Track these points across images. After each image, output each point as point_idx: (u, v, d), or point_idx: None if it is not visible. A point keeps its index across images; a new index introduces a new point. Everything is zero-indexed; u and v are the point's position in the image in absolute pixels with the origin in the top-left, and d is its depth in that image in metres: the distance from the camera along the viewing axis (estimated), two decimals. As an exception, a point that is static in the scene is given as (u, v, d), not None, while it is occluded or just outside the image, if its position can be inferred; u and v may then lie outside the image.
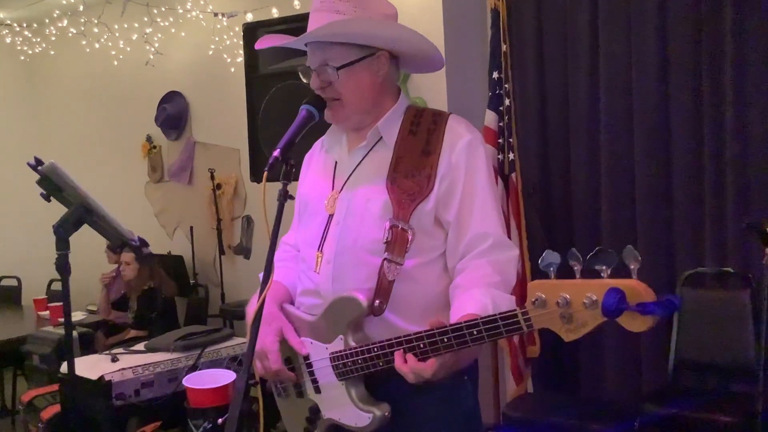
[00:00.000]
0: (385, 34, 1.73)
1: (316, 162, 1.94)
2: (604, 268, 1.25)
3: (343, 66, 1.71)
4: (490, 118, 3.73)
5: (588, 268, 1.28)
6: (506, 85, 3.76)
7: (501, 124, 3.73)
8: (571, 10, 3.80)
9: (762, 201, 3.19)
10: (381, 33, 1.73)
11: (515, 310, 1.38)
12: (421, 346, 1.50)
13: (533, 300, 1.33)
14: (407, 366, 1.50)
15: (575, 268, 1.29)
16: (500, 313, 1.40)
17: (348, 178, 1.79)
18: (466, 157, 1.71)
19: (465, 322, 1.44)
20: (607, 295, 1.21)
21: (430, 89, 3.93)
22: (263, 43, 1.86)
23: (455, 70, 3.97)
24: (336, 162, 1.85)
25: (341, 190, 1.79)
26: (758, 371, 2.83)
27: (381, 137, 1.77)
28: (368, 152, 1.79)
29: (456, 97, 3.99)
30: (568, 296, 1.29)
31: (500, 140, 3.73)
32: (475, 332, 1.43)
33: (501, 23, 3.76)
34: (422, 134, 1.75)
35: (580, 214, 3.83)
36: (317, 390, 1.76)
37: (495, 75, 3.75)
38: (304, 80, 1.79)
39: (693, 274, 3.39)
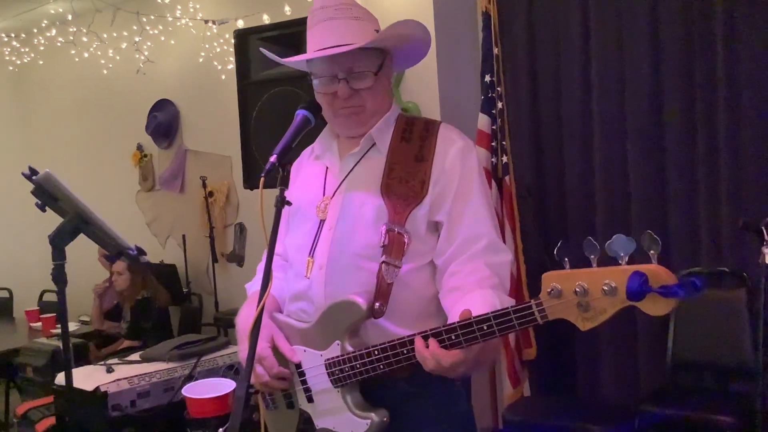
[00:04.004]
0: (422, 36, 1.75)
1: (305, 169, 1.93)
2: (621, 254, 1.26)
3: (378, 71, 1.72)
4: (483, 122, 3.74)
5: (605, 256, 1.28)
6: (498, 88, 3.77)
7: (494, 127, 3.74)
8: (563, 12, 3.81)
9: (756, 200, 3.20)
10: (422, 34, 1.75)
11: (529, 301, 1.37)
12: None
13: (548, 290, 1.33)
14: (429, 351, 1.46)
15: (591, 257, 1.30)
16: (513, 306, 1.39)
17: (341, 184, 1.78)
18: (460, 163, 1.71)
19: (475, 317, 1.42)
20: (632, 278, 1.22)
21: (423, 93, 3.93)
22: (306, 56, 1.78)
23: (447, 73, 3.97)
24: (327, 168, 1.85)
25: (333, 195, 1.78)
26: (756, 371, 2.84)
27: (374, 143, 1.77)
28: (361, 158, 1.78)
29: (448, 100, 3.99)
30: (585, 285, 1.29)
31: (493, 143, 3.73)
32: (485, 327, 1.41)
33: (492, 26, 3.78)
34: (415, 141, 1.75)
35: (575, 216, 3.83)
36: (310, 399, 1.74)
37: (487, 78, 3.76)
38: (323, 90, 1.74)
39: (689, 274, 3.39)
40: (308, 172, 1.91)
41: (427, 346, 1.47)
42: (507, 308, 1.39)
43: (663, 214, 3.53)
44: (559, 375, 3.93)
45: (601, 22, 3.65)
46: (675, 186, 3.48)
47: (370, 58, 1.70)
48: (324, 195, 1.80)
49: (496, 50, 3.77)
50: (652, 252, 1.24)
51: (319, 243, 1.75)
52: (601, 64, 3.67)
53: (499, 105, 3.75)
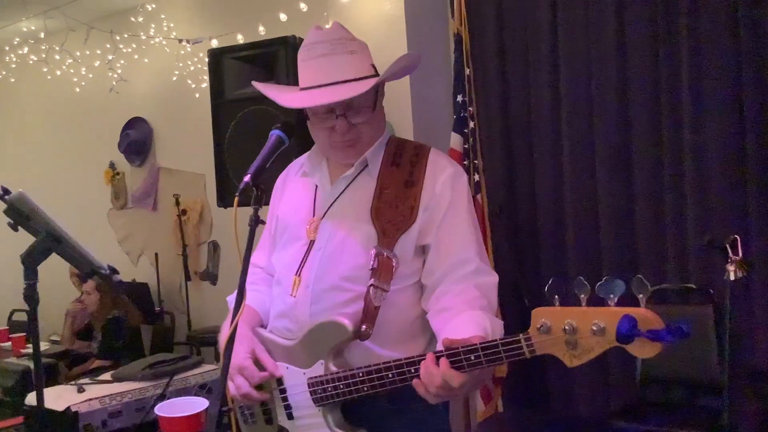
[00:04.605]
0: (416, 64, 1.82)
1: (292, 185, 1.94)
2: (611, 296, 1.28)
3: (375, 105, 1.74)
4: (456, 141, 3.78)
5: (595, 296, 1.30)
6: (470, 108, 3.82)
7: (466, 146, 3.78)
8: (533, 34, 3.88)
9: (721, 218, 3.27)
10: (417, 63, 1.81)
11: (518, 336, 1.39)
12: (412, 371, 1.50)
13: (538, 326, 1.35)
14: (438, 370, 1.44)
15: (581, 296, 1.32)
16: (501, 339, 1.40)
17: (331, 205, 1.79)
18: (450, 187, 1.73)
19: (463, 347, 1.43)
20: (622, 322, 1.24)
21: (396, 112, 3.96)
22: (303, 100, 1.73)
23: (420, 93, 4.02)
24: (316, 186, 1.86)
25: (323, 216, 1.79)
26: (723, 385, 2.89)
27: (366, 166, 1.79)
28: (352, 180, 1.79)
29: (421, 120, 4.03)
30: (574, 323, 1.31)
31: (465, 162, 3.77)
32: (473, 357, 1.41)
33: (464, 48, 3.83)
34: (405, 166, 1.77)
35: (546, 234, 3.87)
36: (290, 416, 1.75)
37: (459, 98, 3.81)
38: (320, 125, 1.74)
39: (656, 291, 3.45)
40: (297, 189, 1.91)
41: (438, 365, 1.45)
42: (495, 341, 1.41)
43: (630, 231, 3.58)
44: (531, 391, 3.95)
45: (570, 45, 3.72)
46: (642, 204, 3.54)
47: (367, 93, 1.70)
48: (314, 215, 1.81)
49: (467, 71, 3.83)
50: (641, 296, 1.27)
51: (306, 263, 1.76)
52: (570, 85, 3.73)
53: (471, 124, 3.80)
